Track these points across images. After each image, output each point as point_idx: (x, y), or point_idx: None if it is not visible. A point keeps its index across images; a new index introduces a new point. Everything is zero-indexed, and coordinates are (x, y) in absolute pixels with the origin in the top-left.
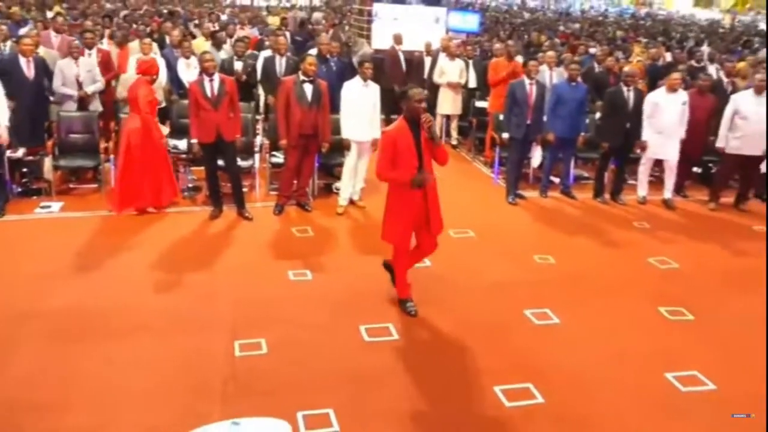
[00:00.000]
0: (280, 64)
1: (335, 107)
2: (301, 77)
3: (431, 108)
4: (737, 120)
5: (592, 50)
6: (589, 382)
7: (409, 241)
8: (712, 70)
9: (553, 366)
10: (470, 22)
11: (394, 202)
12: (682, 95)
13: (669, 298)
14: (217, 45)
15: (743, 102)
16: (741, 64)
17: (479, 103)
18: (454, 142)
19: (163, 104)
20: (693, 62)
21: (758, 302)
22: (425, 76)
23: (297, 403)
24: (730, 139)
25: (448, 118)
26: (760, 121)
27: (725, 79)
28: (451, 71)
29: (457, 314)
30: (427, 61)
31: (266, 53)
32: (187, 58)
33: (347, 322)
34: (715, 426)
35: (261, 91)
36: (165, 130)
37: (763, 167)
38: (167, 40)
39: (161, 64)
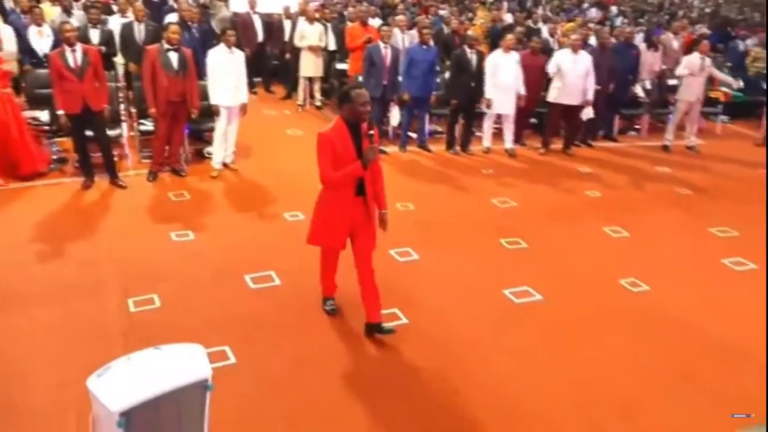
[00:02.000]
0: (139, 30)
1: (201, 74)
2: (166, 46)
3: (295, 71)
4: (559, 75)
5: (441, 12)
6: (444, 303)
7: (340, 245)
8: (545, 30)
9: (416, 293)
10: None
11: (328, 206)
12: (515, 55)
13: (508, 231)
14: (66, 11)
15: (562, 59)
16: (568, 25)
17: (340, 65)
18: (318, 104)
19: (16, 74)
20: (530, 23)
21: (576, 230)
22: (286, 39)
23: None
24: (554, 91)
25: (310, 80)
26: (576, 76)
27: (551, 39)
28: (310, 35)
29: None
30: (287, 24)
31: (116, 19)
32: (39, 25)
33: (233, 273)
34: (541, 327)
35: (120, 60)
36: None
37: (583, 115)
38: (6, 4)
39: (8, 33)
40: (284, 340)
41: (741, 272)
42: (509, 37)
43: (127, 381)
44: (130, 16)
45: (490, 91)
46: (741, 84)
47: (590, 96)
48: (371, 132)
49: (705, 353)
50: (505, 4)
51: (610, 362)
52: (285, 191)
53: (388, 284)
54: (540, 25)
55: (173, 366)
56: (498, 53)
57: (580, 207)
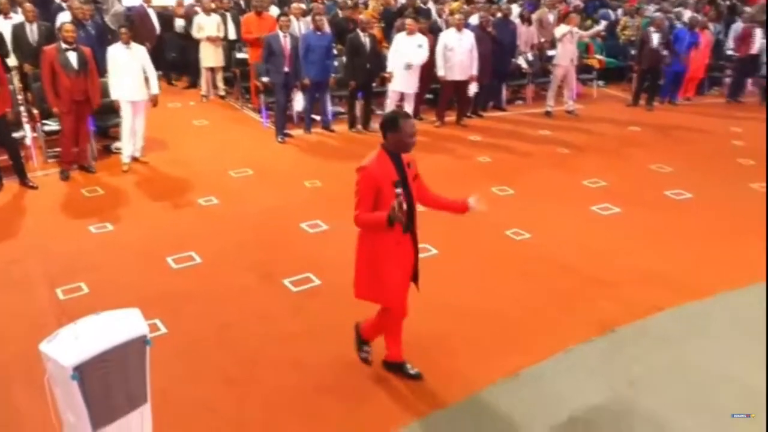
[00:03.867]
0: (32, 31)
1: (101, 70)
2: (63, 45)
3: (197, 63)
4: (446, 53)
5: None
6: (351, 264)
7: (402, 304)
8: (434, 10)
9: (326, 258)
10: None
11: (377, 253)
12: (419, 38)
13: None
14: None
15: (448, 38)
16: (454, 5)
17: (240, 55)
18: (222, 93)
19: None
20: (420, 3)
21: (468, 192)
22: (181, 31)
23: None
24: (444, 69)
25: (212, 70)
26: (462, 53)
27: (439, 19)
28: (208, 26)
29: (245, 235)
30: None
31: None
32: None
33: (155, 257)
34: (437, 276)
35: (13, 61)
36: None
37: (469, 90)
38: None
39: None
40: (210, 308)
41: (607, 216)
42: (409, 21)
43: (76, 341)
44: (14, 17)
45: (392, 68)
46: (602, 27)
47: (475, 71)
48: (398, 190)
49: (575, 284)
50: None
51: (497, 298)
52: (197, 179)
53: (300, 252)
54: (430, 5)
55: (115, 326)
56: (402, 35)
57: (472, 171)
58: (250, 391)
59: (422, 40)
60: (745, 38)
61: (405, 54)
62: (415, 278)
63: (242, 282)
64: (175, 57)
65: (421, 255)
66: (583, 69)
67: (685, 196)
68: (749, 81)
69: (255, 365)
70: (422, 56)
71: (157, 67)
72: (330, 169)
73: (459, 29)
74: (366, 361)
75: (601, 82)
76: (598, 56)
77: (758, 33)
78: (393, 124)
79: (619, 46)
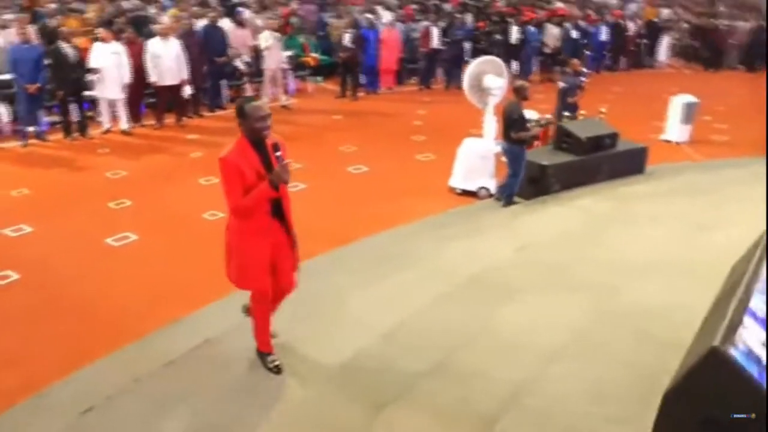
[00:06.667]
0: None
1: None
2: None
3: None
4: (156, 60)
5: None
6: (52, 257)
7: (265, 287)
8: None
9: (26, 256)
10: None
11: (241, 238)
12: (114, 46)
13: (116, 195)
14: None
15: (154, 46)
16: (171, 11)
17: None
18: None
19: None
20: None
21: (176, 184)
22: None
23: None
24: (156, 75)
25: None
26: (170, 59)
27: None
28: None
29: None
30: None
31: None
32: None
33: None
34: (134, 257)
35: None
36: None
37: (183, 93)
38: None
39: None
40: None
41: (297, 191)
42: (100, 30)
43: None
44: None
45: (93, 76)
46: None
47: (185, 75)
48: (279, 153)
49: None
50: None
51: (185, 263)
52: None
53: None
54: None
55: None
56: (97, 44)
57: (183, 166)
58: None
59: (118, 47)
60: (425, 36)
61: (100, 61)
62: (287, 257)
63: None
64: None
65: (121, 242)
66: (299, 66)
67: (362, 170)
68: (439, 70)
69: None
70: (117, 62)
71: None
72: (40, 177)
73: (164, 37)
74: (279, 369)
75: (318, 78)
76: (313, 54)
77: (434, 31)
78: (239, 112)
79: (332, 44)
